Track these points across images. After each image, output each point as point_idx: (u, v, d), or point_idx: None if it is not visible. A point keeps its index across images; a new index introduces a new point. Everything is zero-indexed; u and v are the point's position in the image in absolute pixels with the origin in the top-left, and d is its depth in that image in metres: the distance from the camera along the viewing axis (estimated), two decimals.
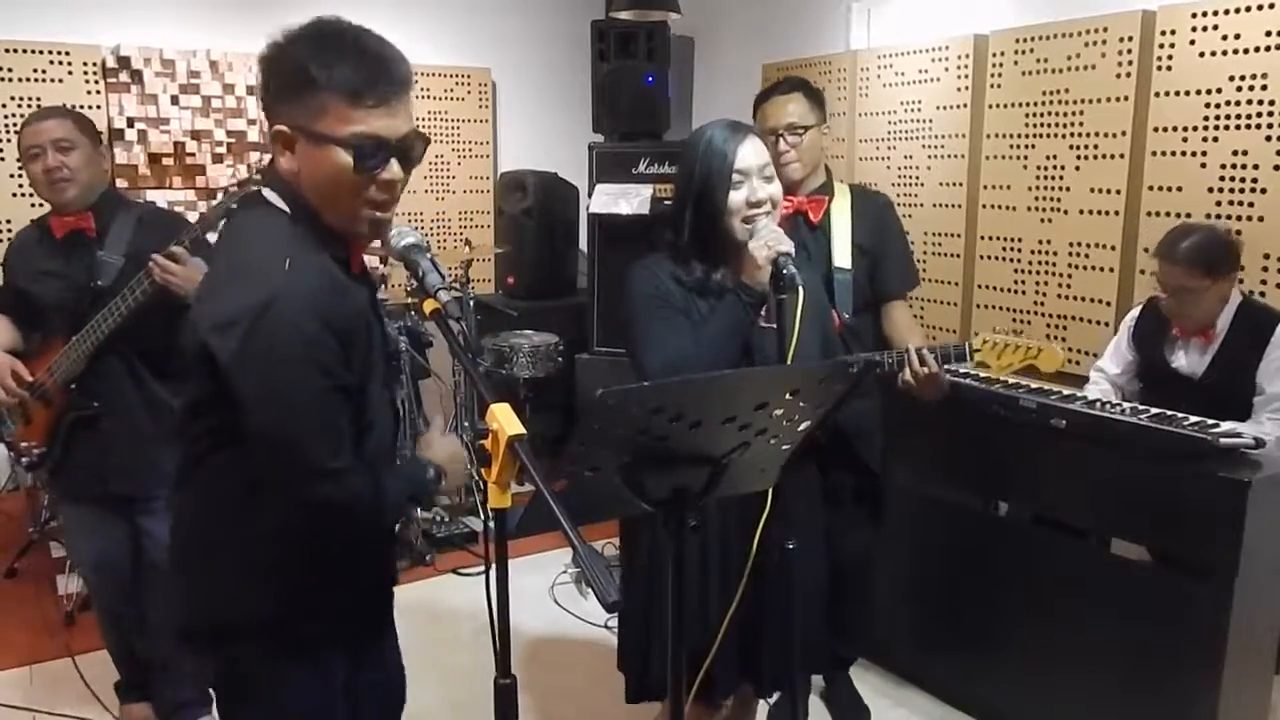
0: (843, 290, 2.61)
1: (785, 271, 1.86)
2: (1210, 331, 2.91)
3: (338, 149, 1.47)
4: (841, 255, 2.63)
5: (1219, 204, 3.29)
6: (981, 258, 4.13)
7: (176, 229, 2.57)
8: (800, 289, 1.88)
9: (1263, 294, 3.18)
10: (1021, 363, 2.38)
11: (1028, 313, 3.99)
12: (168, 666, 2.80)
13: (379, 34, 1.53)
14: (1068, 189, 3.78)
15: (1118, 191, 3.61)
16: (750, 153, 1.97)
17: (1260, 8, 3.16)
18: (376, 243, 1.63)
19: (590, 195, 5.16)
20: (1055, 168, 3.82)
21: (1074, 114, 3.73)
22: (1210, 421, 2.49)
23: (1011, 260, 4.00)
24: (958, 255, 4.21)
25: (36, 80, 4.52)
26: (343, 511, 1.54)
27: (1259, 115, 3.19)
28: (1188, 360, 2.97)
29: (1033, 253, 3.94)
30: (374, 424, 1.64)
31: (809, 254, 2.62)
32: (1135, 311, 3.19)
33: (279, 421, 1.47)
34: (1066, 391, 2.79)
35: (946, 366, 2.42)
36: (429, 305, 1.48)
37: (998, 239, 4.05)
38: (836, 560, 2.91)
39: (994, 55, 4.00)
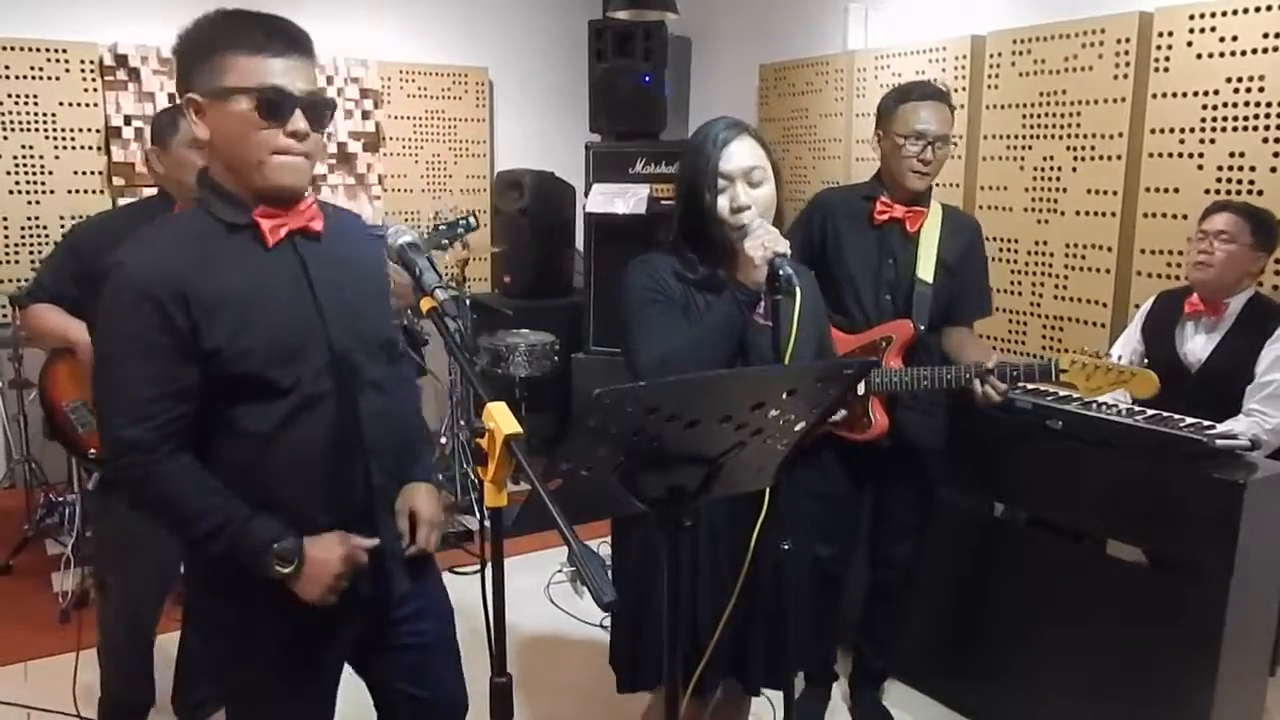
0: (921, 302, 2.60)
1: (782, 273, 1.83)
2: (1222, 309, 2.96)
3: (242, 98, 1.52)
4: (925, 269, 2.62)
5: None
6: None
7: None
8: (797, 290, 1.87)
9: None
10: (1112, 386, 2.33)
11: (1024, 314, 3.99)
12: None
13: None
14: (1065, 190, 3.78)
15: (1115, 193, 3.62)
16: (737, 154, 1.91)
17: (1258, 9, 3.16)
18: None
19: (587, 195, 5.16)
20: (1052, 169, 3.82)
21: (1071, 115, 3.73)
22: (1206, 423, 2.49)
23: (1008, 261, 4.00)
24: None
25: (34, 78, 4.52)
26: (131, 490, 1.58)
27: (1256, 117, 3.20)
28: (1194, 345, 3.03)
29: (1029, 254, 3.95)
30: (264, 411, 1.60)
31: (895, 261, 2.63)
32: (1150, 301, 3.23)
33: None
34: (1062, 392, 2.79)
35: (1029, 384, 2.39)
36: (426, 304, 1.48)
37: (994, 240, 4.05)
38: (877, 570, 2.92)
39: (991, 56, 4.01)
